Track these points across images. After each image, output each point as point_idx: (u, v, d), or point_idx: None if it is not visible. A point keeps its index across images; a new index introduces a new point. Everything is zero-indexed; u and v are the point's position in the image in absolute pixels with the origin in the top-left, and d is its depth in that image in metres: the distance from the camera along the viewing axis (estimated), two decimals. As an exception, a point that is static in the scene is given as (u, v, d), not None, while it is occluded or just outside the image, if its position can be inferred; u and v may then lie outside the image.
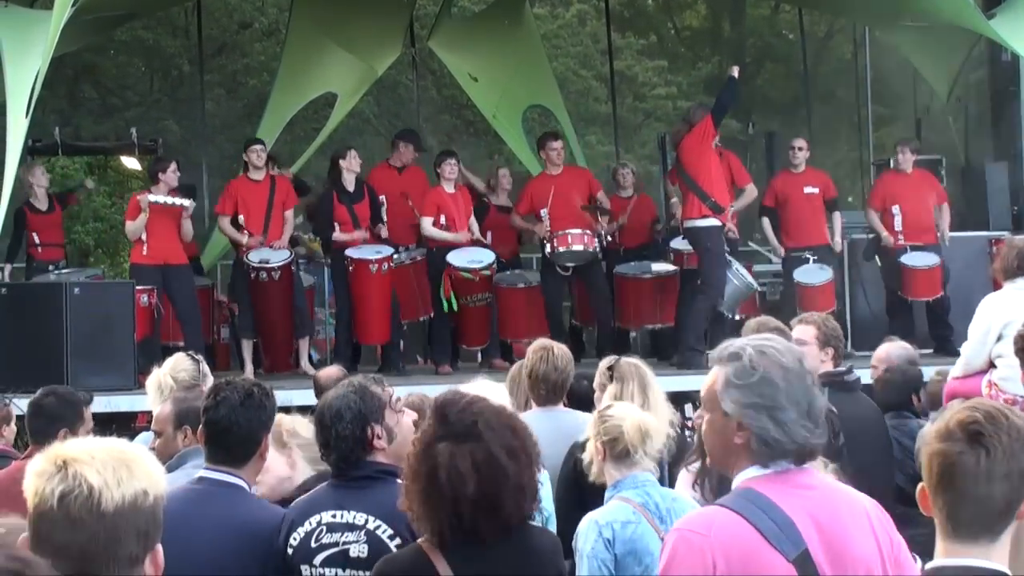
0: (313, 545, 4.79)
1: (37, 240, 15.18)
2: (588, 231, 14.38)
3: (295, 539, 4.83)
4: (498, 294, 14.66)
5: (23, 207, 15.06)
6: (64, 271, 14.88)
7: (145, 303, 13.43)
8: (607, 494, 5.92)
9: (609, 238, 15.07)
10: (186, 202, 13.81)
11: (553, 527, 6.14)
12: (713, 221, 13.79)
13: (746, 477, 3.63)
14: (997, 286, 8.65)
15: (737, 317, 13.87)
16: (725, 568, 3.45)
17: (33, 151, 15.69)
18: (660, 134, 20.08)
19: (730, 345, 3.70)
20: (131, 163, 19.83)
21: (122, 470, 2.79)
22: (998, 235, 14.70)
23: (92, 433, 5.24)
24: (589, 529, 5.75)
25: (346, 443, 4.82)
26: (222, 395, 5.08)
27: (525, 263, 16.66)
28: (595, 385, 7.21)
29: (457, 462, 3.89)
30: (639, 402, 6.49)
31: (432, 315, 14.72)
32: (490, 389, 5.95)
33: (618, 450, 5.87)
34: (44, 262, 15.07)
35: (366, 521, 4.69)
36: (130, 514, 2.77)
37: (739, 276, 14.23)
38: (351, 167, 14.38)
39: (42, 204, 15.27)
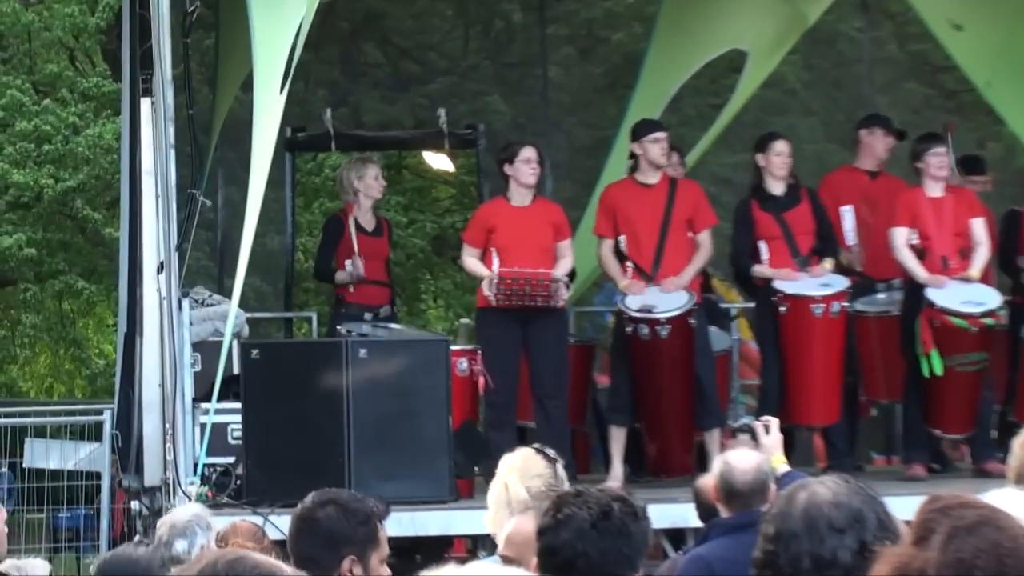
0: None
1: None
2: None
3: None
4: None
5: (340, 218, 13.37)
6: (380, 322, 13.00)
7: (464, 370, 11.82)
8: None
9: None
10: None
11: None
12: None
13: None
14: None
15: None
16: None
17: (296, 145, 14.02)
18: None
19: None
20: (439, 161, 18.65)
21: None
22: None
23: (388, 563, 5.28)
24: None
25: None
26: (565, 512, 4.80)
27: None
28: None
29: None
30: None
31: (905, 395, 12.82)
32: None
33: None
34: (359, 307, 13.11)
35: None
36: None
37: None
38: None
39: (368, 223, 13.20)
